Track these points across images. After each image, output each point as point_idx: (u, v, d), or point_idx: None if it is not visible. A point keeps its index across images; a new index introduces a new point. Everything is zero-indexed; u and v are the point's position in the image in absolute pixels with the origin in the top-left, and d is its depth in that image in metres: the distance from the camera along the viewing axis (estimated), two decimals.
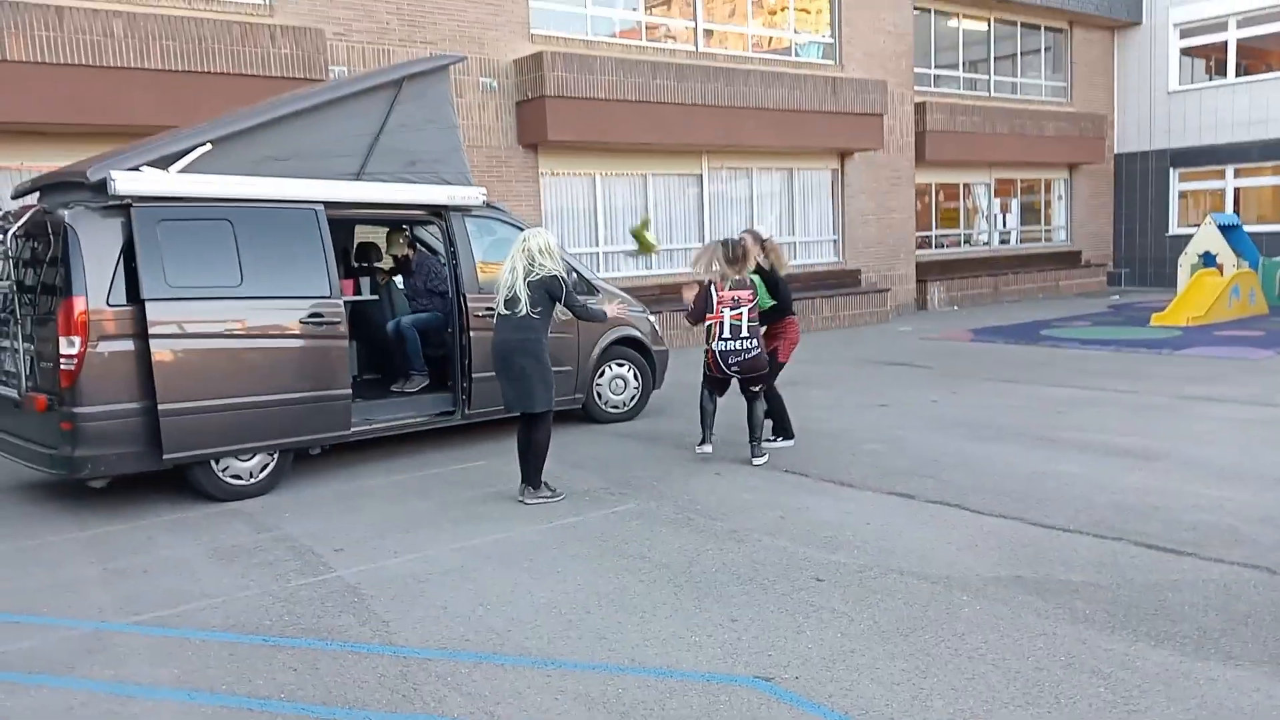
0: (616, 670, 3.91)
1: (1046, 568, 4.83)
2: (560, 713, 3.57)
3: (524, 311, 6.22)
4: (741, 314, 7.04)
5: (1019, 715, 3.41)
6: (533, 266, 6.27)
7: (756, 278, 7.24)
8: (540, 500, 6.42)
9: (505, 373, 6.40)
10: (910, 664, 3.84)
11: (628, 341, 9.14)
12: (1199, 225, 18.04)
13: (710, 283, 7.12)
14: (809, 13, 17.42)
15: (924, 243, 20.34)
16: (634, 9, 15.26)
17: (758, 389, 7.28)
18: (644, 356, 9.26)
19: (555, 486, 6.56)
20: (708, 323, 7.14)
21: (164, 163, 6.48)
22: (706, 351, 7.21)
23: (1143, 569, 4.77)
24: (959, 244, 21.40)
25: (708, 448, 7.29)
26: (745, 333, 7.04)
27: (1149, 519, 5.54)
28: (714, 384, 7.32)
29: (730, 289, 7.05)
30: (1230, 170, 22.21)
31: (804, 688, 3.68)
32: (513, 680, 3.85)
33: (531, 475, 6.50)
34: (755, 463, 7.18)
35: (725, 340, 7.06)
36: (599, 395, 8.98)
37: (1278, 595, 4.39)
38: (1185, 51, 23.03)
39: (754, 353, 7.08)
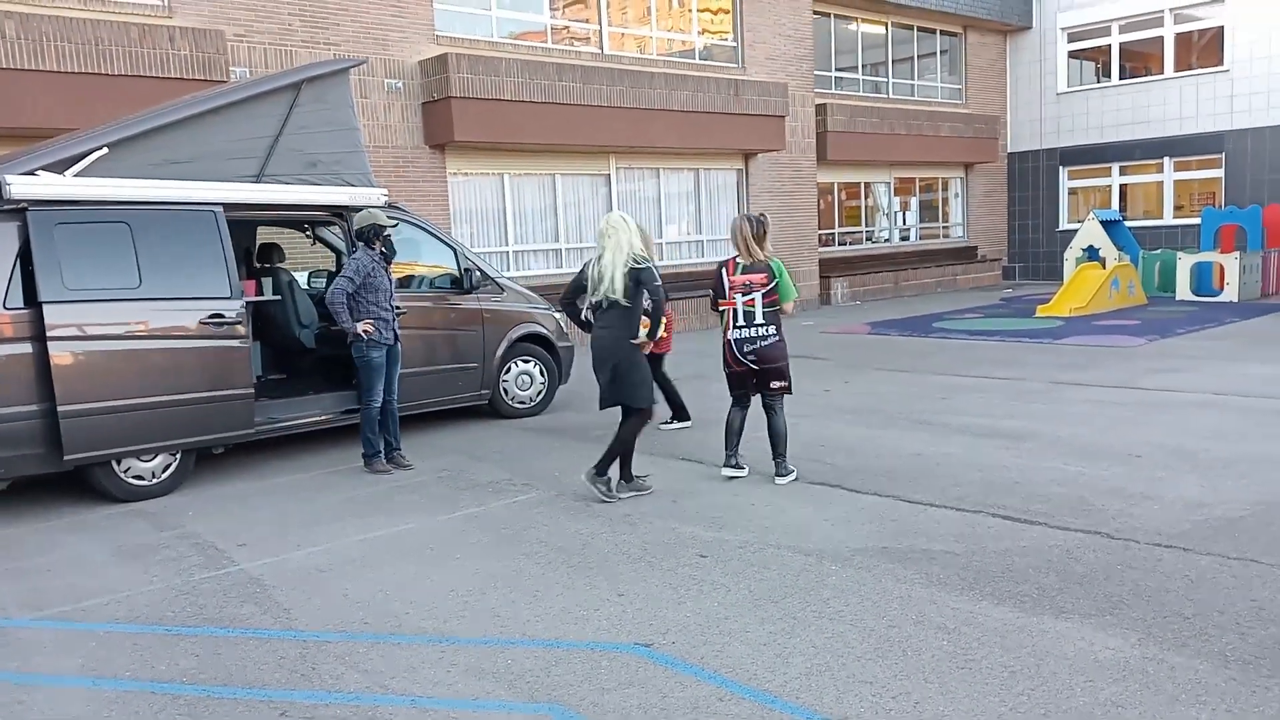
0: (507, 644, 4.17)
1: (910, 539, 5.23)
2: (450, 684, 3.81)
3: (619, 304, 6.07)
4: (755, 299, 6.43)
5: (869, 667, 3.77)
6: (631, 253, 6.05)
7: (777, 262, 6.54)
8: (633, 493, 6.36)
9: (603, 370, 6.23)
10: (778, 627, 4.18)
11: (533, 338, 9.37)
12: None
13: (721, 266, 6.64)
14: (712, 13, 17.84)
15: (827, 240, 20.96)
16: (539, 12, 15.46)
17: (779, 388, 6.59)
18: (549, 353, 9.51)
19: (645, 481, 6.47)
20: (721, 309, 6.65)
21: (60, 166, 6.51)
22: (724, 345, 6.62)
23: (996, 537, 5.20)
24: (861, 241, 22.09)
25: (738, 470, 6.71)
26: (760, 319, 6.45)
27: (1009, 493, 6.00)
28: (737, 386, 6.70)
29: (741, 273, 6.49)
30: (1116, 168, 23.33)
31: (680, 651, 3.99)
32: (408, 657, 4.08)
33: (624, 468, 6.40)
34: (779, 482, 6.53)
35: (740, 328, 6.49)
36: (505, 391, 9.20)
37: (1112, 557, 4.84)
38: (1073, 55, 24.12)
39: (771, 340, 6.48)
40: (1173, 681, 3.55)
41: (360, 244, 7.25)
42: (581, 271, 6.39)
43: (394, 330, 7.33)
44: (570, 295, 6.56)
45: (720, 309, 6.64)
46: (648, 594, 4.64)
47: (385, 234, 7.31)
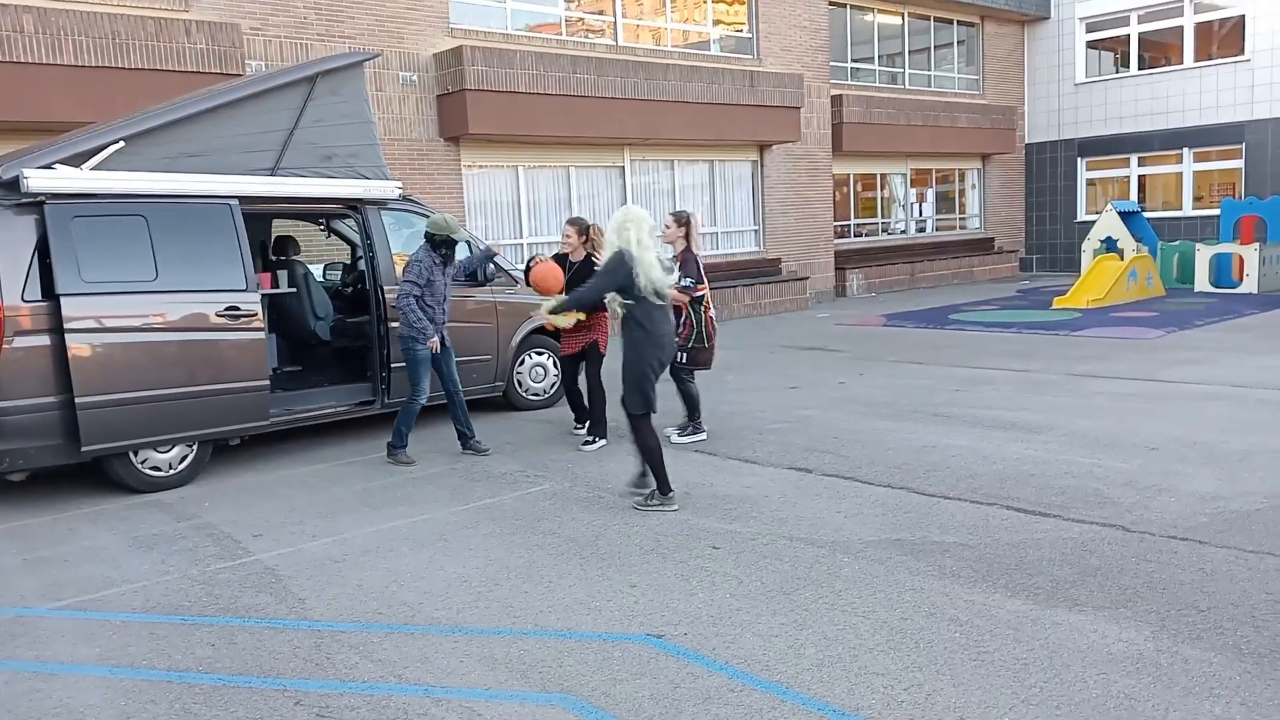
0: (520, 634, 4.18)
1: (923, 531, 5.22)
2: (464, 673, 3.83)
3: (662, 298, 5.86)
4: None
5: (881, 659, 3.76)
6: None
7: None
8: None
9: (662, 370, 5.97)
10: (790, 619, 4.18)
11: (547, 330, 9.37)
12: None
13: (693, 256, 7.29)
14: (727, 4, 17.78)
15: (843, 231, 20.89)
16: (553, 5, 15.44)
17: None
18: None
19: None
20: (699, 293, 7.30)
21: (77, 160, 6.56)
22: (707, 321, 7.38)
23: (1010, 530, 5.18)
24: (877, 232, 22.01)
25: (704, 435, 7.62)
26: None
27: (1023, 485, 5.98)
28: (700, 362, 7.48)
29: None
30: (1134, 159, 23.13)
31: (691, 642, 4.00)
32: (421, 647, 4.10)
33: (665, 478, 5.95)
34: (695, 439, 7.58)
35: (710, 308, 7.49)
36: (519, 383, 9.21)
37: (1128, 550, 4.82)
38: (1091, 45, 23.91)
39: None
40: (1186, 674, 3.54)
41: (425, 244, 7.28)
42: (618, 269, 5.77)
43: (441, 332, 7.42)
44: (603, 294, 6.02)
45: (699, 294, 7.34)
46: (660, 585, 4.65)
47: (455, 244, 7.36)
